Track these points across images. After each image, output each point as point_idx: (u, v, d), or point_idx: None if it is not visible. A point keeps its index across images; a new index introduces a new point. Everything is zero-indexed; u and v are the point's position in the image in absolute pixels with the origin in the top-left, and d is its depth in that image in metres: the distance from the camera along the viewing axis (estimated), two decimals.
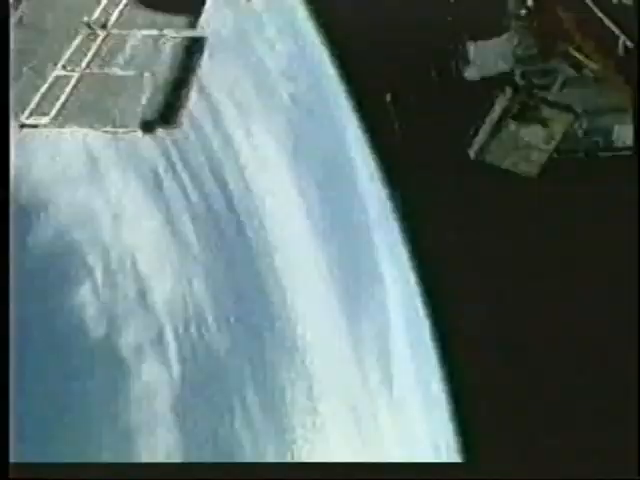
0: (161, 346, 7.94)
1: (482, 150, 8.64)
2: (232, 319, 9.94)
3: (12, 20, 5.82)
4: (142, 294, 8.36)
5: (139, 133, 4.82)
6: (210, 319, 10.06)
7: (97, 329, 7.09)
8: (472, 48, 9.49)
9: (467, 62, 9.53)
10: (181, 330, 8.79)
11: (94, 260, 7.98)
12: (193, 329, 9.11)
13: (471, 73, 9.62)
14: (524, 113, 8.42)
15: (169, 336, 8.28)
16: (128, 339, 7.43)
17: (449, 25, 9.57)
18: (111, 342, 7.12)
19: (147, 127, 4.69)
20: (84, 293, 7.43)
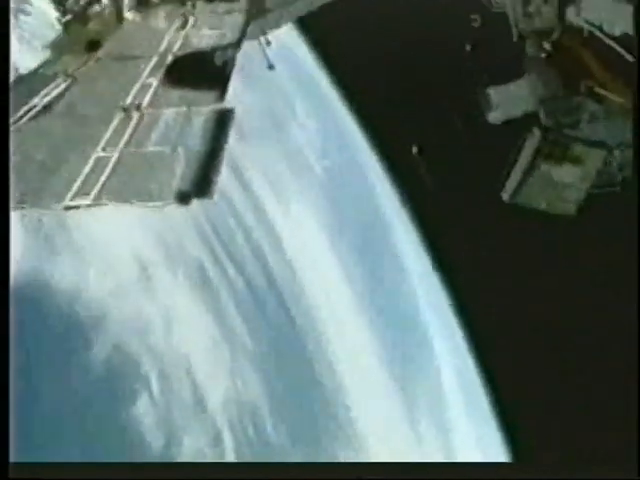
0: (220, 447, 7.85)
1: (516, 193, 8.58)
2: (287, 410, 9.79)
3: (56, 110, 6.25)
4: (199, 398, 8.37)
5: (175, 205, 4.98)
6: (265, 413, 9.89)
7: (157, 440, 7.07)
8: (493, 92, 9.59)
9: (490, 107, 9.62)
10: (238, 428, 8.68)
11: (149, 370, 8.06)
12: (250, 427, 8.99)
13: (495, 117, 9.69)
14: (555, 153, 8.37)
15: (227, 436, 8.18)
16: (188, 445, 7.38)
17: (467, 72, 9.74)
18: (171, 451, 7.09)
19: (182, 199, 4.84)
20: (142, 405, 7.46)
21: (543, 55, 8.37)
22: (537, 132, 8.65)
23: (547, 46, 8.26)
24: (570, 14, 7.84)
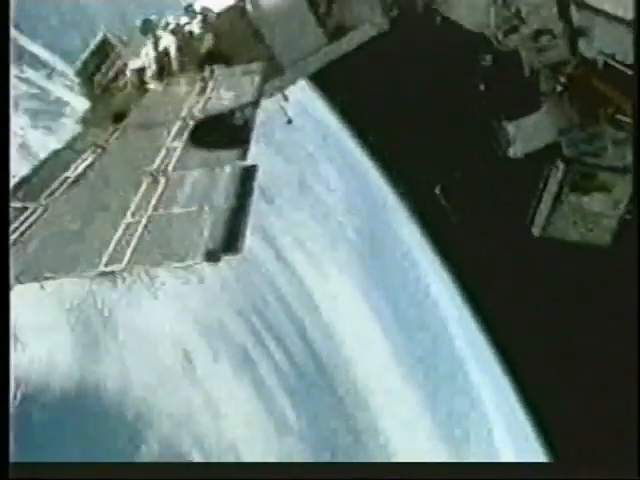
0: None
1: (546, 227, 8.46)
2: None
3: (88, 180, 6.49)
4: None
5: (204, 263, 5.04)
6: None
7: None
8: (511, 127, 9.63)
9: (509, 141, 9.63)
10: None
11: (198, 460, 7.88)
12: None
13: (516, 151, 9.69)
14: (581, 183, 8.28)
15: None
16: None
17: (483, 110, 9.81)
18: None
19: (211, 257, 4.90)
20: None
21: (559, 88, 8.40)
22: (561, 164, 8.59)
23: (562, 79, 8.31)
24: (582, 46, 7.90)
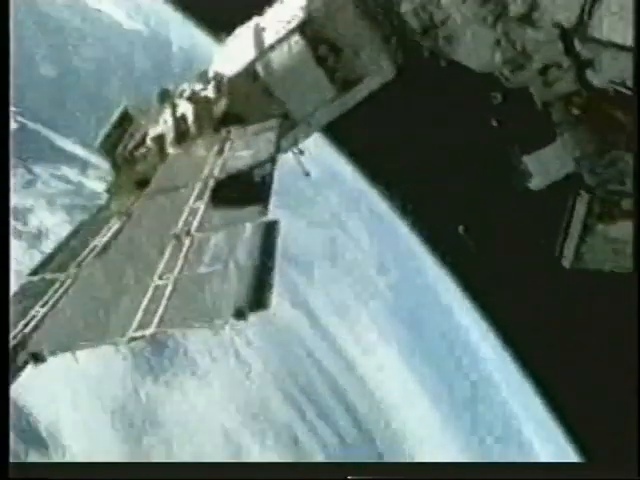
0: None
1: (577, 259, 8.28)
2: None
3: (115, 247, 6.63)
4: None
5: (233, 321, 5.02)
6: None
7: None
8: (528, 160, 9.62)
9: (528, 175, 9.61)
10: None
11: None
12: None
13: (536, 183, 9.64)
14: (607, 211, 8.15)
15: None
16: None
17: (498, 146, 9.85)
18: None
19: (240, 314, 4.89)
20: None
21: (572, 118, 8.42)
22: (584, 194, 8.50)
23: (575, 110, 8.33)
24: (591, 77, 7.96)
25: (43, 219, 22.27)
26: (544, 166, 9.44)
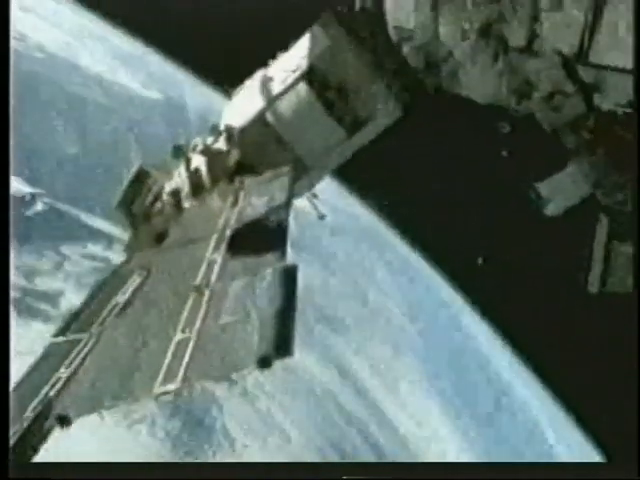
0: None
1: (603, 284, 8.11)
2: None
3: (136, 303, 6.65)
4: None
5: (257, 370, 4.96)
6: None
7: None
8: (542, 187, 9.57)
9: (544, 202, 9.54)
10: None
11: None
12: None
13: (553, 210, 9.55)
14: (628, 232, 8.02)
15: None
16: None
17: (511, 175, 9.82)
18: None
19: (264, 363, 4.83)
20: None
21: (583, 142, 8.41)
22: (604, 218, 8.40)
23: (584, 134, 8.33)
24: (598, 100, 7.99)
25: (73, 301, 22.57)
26: (558, 191, 9.38)
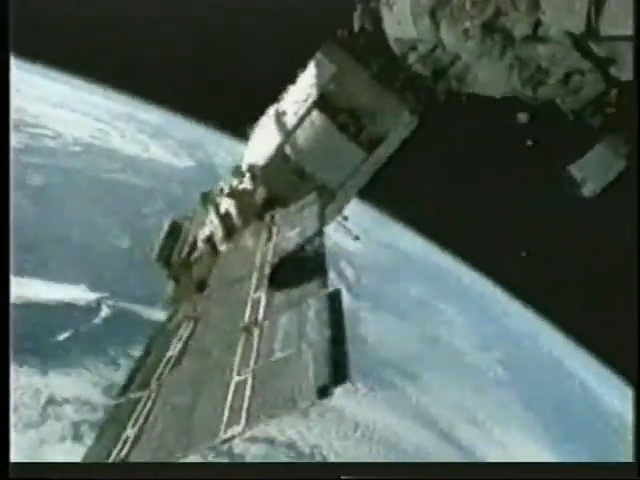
0: None
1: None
2: None
3: (189, 353, 6.71)
4: None
5: (317, 401, 4.91)
6: None
7: None
8: (574, 169, 9.35)
9: (578, 184, 9.30)
10: None
11: None
12: None
13: (589, 190, 9.31)
14: None
15: None
16: None
17: (540, 164, 9.63)
18: None
19: (324, 393, 4.78)
20: None
21: (609, 118, 8.21)
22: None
23: (609, 109, 8.13)
24: (616, 73, 7.81)
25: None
26: (591, 171, 9.14)
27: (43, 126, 39.33)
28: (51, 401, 19.47)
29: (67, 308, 24.99)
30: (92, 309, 25.56)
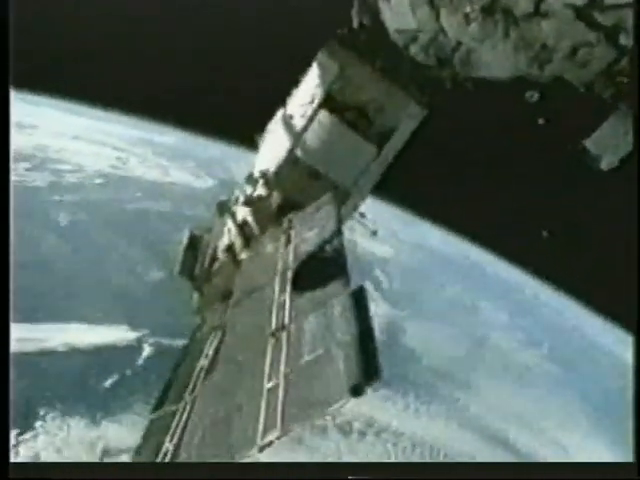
0: None
1: None
2: None
3: (219, 362, 6.74)
4: None
5: (350, 400, 4.89)
6: None
7: None
8: (591, 143, 9.19)
9: (596, 157, 9.14)
10: None
11: None
12: None
13: (608, 162, 9.15)
14: None
15: None
16: None
17: (555, 141, 9.48)
18: None
19: (356, 391, 4.76)
20: None
21: (622, 87, 8.04)
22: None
23: (620, 78, 7.97)
24: (624, 40, 7.65)
25: None
26: (608, 144, 8.97)
27: (65, 161, 39.72)
28: (107, 453, 19.38)
29: (109, 351, 24.65)
30: (134, 349, 25.18)
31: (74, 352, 23.49)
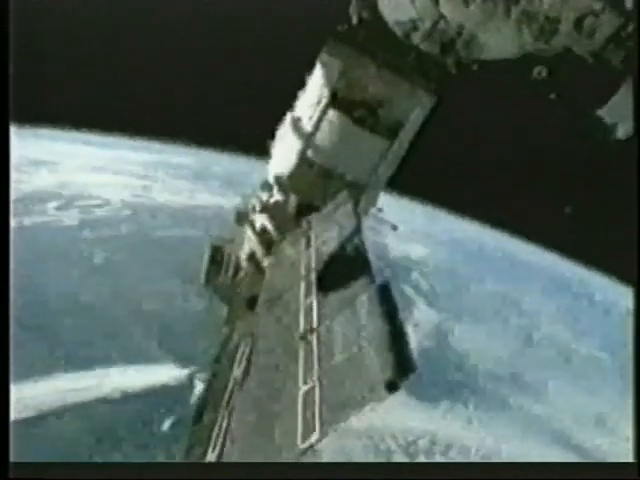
0: None
1: None
2: None
3: (252, 368, 6.76)
4: None
5: (387, 396, 4.87)
6: None
7: None
8: (604, 114, 9.02)
9: (611, 127, 8.97)
10: None
11: None
12: None
13: (624, 131, 8.97)
14: None
15: None
16: None
17: (569, 114, 9.32)
18: None
19: (392, 387, 4.74)
20: None
21: (632, 52, 7.87)
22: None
23: (628, 43, 7.81)
24: (630, 4, 7.50)
25: None
26: (622, 112, 8.79)
27: (90, 196, 39.67)
28: None
29: (161, 392, 23.90)
30: (185, 387, 24.15)
31: (127, 397, 22.91)
